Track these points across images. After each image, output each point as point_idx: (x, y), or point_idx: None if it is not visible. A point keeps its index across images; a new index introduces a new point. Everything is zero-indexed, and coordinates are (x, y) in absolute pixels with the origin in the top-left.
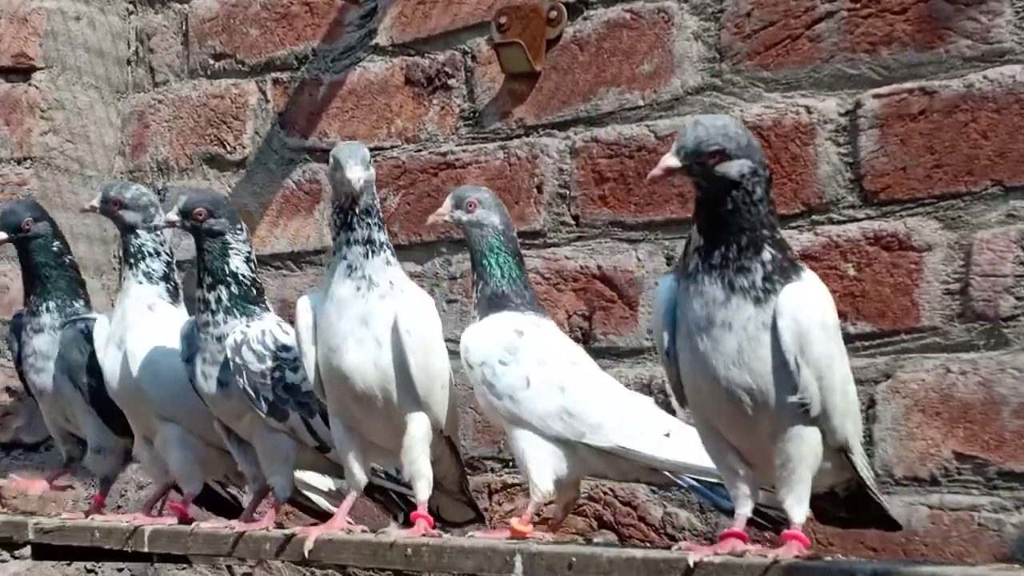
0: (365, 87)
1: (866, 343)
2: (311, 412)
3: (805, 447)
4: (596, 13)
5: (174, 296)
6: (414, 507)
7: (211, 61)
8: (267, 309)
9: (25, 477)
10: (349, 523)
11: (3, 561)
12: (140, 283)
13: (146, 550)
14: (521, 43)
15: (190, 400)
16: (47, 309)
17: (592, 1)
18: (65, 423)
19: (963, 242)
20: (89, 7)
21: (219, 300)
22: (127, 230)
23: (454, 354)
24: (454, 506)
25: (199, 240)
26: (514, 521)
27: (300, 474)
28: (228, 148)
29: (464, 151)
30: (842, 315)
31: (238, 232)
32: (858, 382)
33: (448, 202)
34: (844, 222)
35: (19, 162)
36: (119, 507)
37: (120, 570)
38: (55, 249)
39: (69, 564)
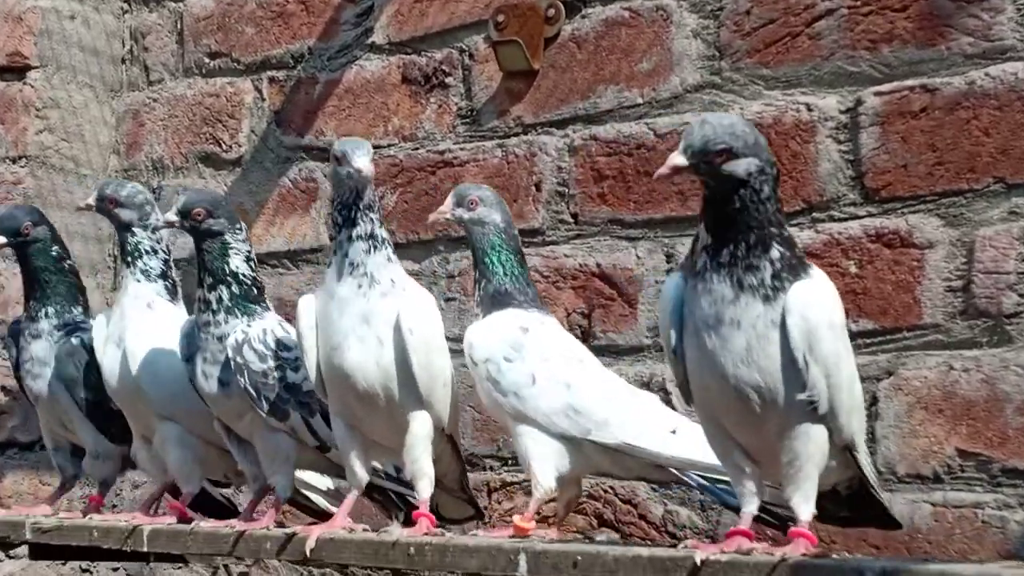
0: (362, 85)
1: (868, 340)
2: (312, 412)
3: (812, 445)
4: (594, 11)
5: (172, 294)
6: (413, 506)
7: (206, 60)
8: (268, 308)
9: (27, 504)
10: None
11: None
12: (138, 281)
13: (145, 549)
14: (519, 41)
15: (189, 399)
16: (46, 315)
17: None
18: (62, 430)
19: (965, 239)
20: (84, 6)
21: (220, 300)
22: (123, 228)
23: (452, 352)
24: (454, 504)
25: (198, 240)
26: (516, 518)
27: (299, 473)
28: (224, 147)
29: (462, 149)
30: (844, 312)
31: (237, 232)
32: (860, 379)
33: (449, 200)
34: (845, 219)
35: (14, 161)
36: (114, 506)
37: (115, 570)
38: (54, 254)
39: (64, 564)
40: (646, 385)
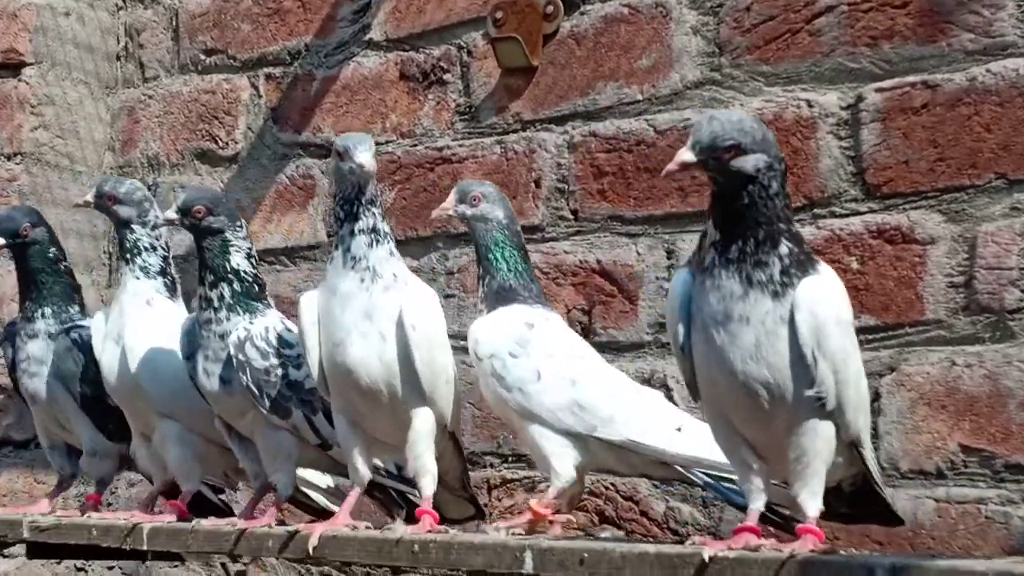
0: (359, 82)
1: (870, 336)
2: (314, 409)
3: (820, 441)
4: (593, 8)
5: (172, 291)
6: (414, 505)
7: (202, 56)
8: (269, 305)
9: (22, 503)
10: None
11: None
12: (137, 278)
13: (145, 548)
14: (518, 38)
15: (189, 397)
16: (42, 315)
17: None
18: (59, 430)
19: (967, 235)
20: (79, 2)
21: (221, 297)
22: (122, 225)
23: (453, 349)
24: (455, 503)
25: (199, 238)
26: (533, 502)
27: (300, 471)
28: (220, 144)
29: (460, 146)
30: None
31: (238, 229)
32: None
33: (452, 196)
34: (847, 216)
35: (9, 158)
36: (109, 504)
37: (111, 568)
38: (51, 255)
39: (59, 563)
40: (647, 381)
